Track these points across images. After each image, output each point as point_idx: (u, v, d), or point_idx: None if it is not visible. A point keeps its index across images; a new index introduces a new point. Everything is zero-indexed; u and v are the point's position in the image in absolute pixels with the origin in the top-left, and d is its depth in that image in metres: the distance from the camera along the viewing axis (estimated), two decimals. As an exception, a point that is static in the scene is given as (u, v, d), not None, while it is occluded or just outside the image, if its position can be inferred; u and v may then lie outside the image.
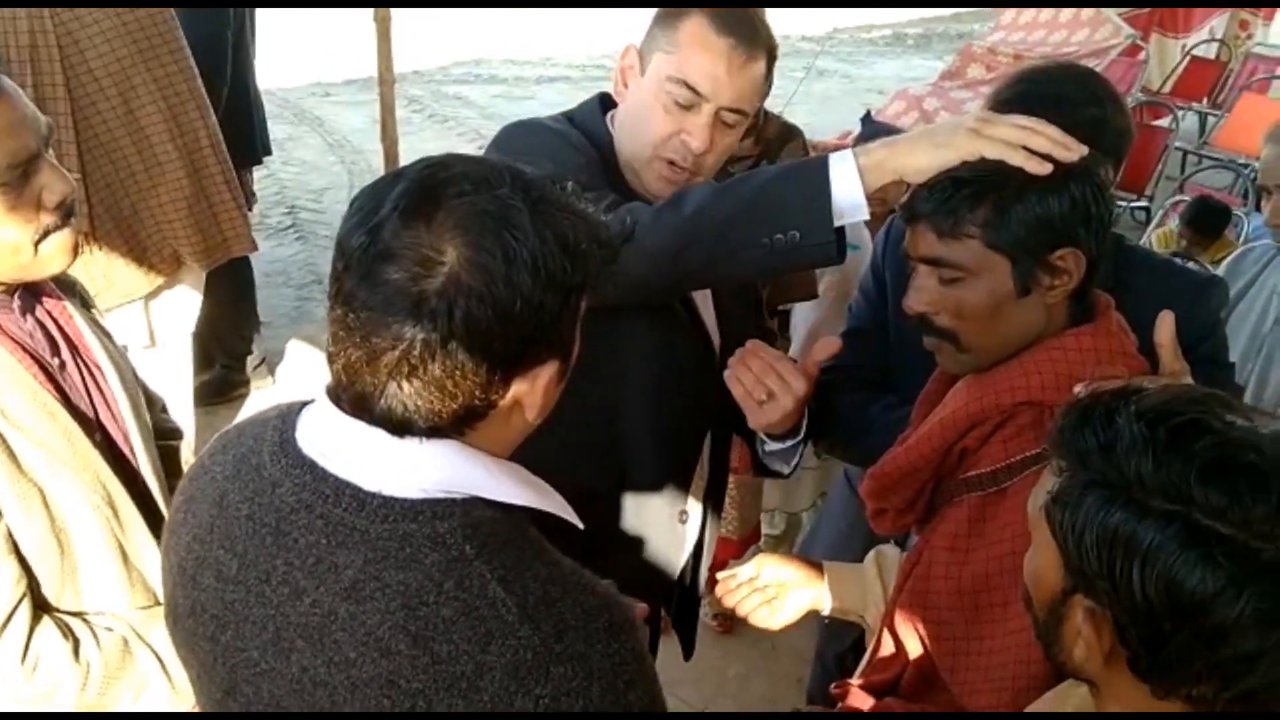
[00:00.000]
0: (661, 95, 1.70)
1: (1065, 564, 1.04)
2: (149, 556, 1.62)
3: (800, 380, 1.65)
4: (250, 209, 4.95)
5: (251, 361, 4.70)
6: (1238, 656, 0.95)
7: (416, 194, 0.99)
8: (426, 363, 0.98)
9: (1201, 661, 0.96)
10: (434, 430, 1.02)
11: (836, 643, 2.50)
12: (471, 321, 0.97)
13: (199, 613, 1.09)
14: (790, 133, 3.54)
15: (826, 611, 1.80)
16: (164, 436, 1.85)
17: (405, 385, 0.99)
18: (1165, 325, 1.47)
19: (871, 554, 1.83)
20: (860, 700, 1.62)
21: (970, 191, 1.40)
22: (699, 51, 1.67)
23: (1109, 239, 1.46)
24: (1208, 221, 5.29)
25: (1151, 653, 0.99)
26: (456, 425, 1.03)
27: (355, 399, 1.03)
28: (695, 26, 1.68)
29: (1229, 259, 2.56)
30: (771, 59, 1.76)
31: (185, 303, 3.27)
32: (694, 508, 2.01)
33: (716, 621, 3.54)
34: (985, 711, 1.42)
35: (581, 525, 1.10)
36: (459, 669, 0.94)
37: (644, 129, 1.73)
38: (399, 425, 1.02)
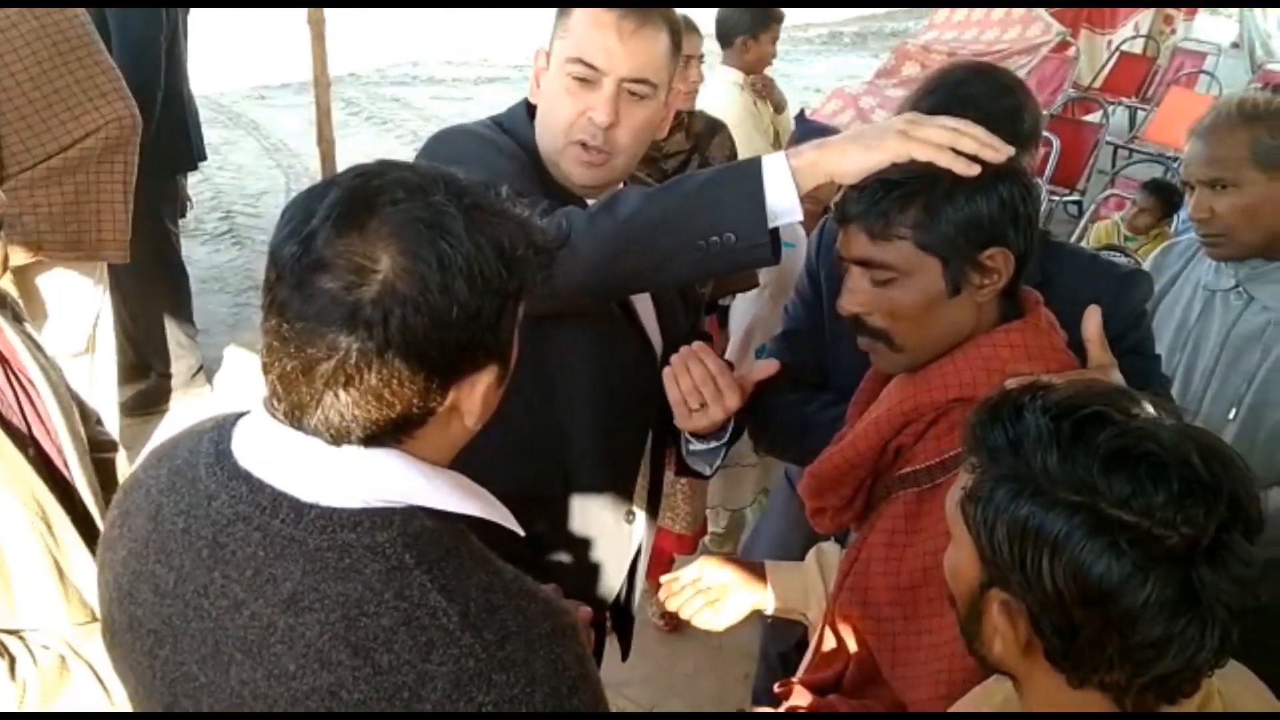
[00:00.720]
0: (562, 79, 1.72)
1: (980, 558, 1.07)
2: (86, 572, 1.60)
3: (735, 395, 1.66)
4: (185, 215, 4.89)
5: (189, 370, 4.63)
6: (1147, 643, 0.98)
7: (349, 202, 0.99)
8: (363, 372, 0.97)
9: (1113, 648, 0.99)
10: (371, 439, 1.02)
11: (781, 641, 2.52)
12: (408, 330, 0.96)
13: (136, 628, 1.08)
14: (716, 126, 3.59)
15: (769, 611, 1.82)
16: (99, 449, 1.82)
17: (342, 395, 0.98)
18: (1093, 320, 1.51)
19: (812, 552, 1.85)
20: (803, 698, 1.64)
21: (900, 193, 1.42)
22: (589, 27, 1.70)
23: (1037, 237, 1.49)
24: (1168, 194, 5.47)
25: (1065, 641, 1.02)
26: (394, 434, 1.02)
27: (291, 409, 1.02)
28: (586, 10, 1.72)
29: (1155, 252, 2.61)
30: (675, 33, 1.76)
31: (78, 308, 3.19)
32: (638, 508, 2.02)
33: (663, 620, 3.56)
34: (924, 709, 1.44)
35: (523, 532, 1.11)
36: (401, 679, 0.94)
37: (553, 118, 1.74)
38: (336, 435, 1.01)
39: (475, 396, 1.05)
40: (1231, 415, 2.26)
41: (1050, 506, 0.99)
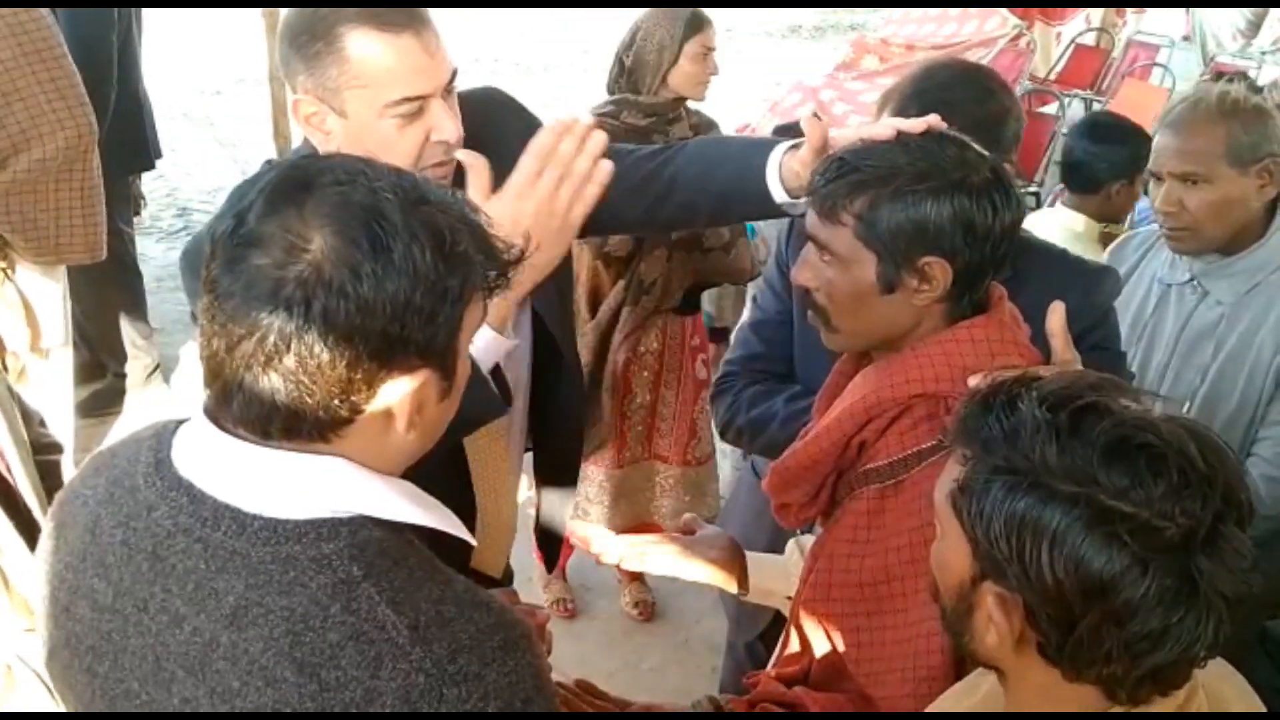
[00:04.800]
0: (388, 123, 1.59)
1: (974, 551, 1.05)
2: (31, 577, 1.56)
3: None
4: (139, 214, 4.81)
5: (145, 369, 4.56)
6: (1145, 634, 0.97)
7: (288, 181, 0.96)
8: (281, 353, 0.93)
9: (1112, 641, 0.98)
10: (292, 432, 0.97)
11: (746, 631, 2.52)
12: (329, 312, 0.93)
13: (74, 644, 1.04)
14: (712, 123, 3.62)
15: (734, 590, 1.80)
16: (43, 452, 1.78)
17: (261, 378, 0.95)
18: (1057, 315, 1.49)
19: (792, 543, 1.84)
20: (771, 688, 1.62)
21: (853, 180, 1.41)
22: (389, 61, 1.56)
23: (1005, 246, 1.44)
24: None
25: (1063, 634, 1.01)
26: (320, 430, 0.98)
27: (218, 394, 0.98)
28: (361, 45, 1.55)
29: (1112, 245, 2.62)
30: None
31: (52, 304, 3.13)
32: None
33: (637, 609, 3.62)
34: (890, 706, 1.43)
35: (475, 542, 1.08)
36: (348, 695, 0.91)
37: (392, 159, 1.64)
38: (256, 424, 0.97)
39: (406, 399, 1.00)
40: (1186, 409, 2.26)
41: (1049, 498, 0.98)
